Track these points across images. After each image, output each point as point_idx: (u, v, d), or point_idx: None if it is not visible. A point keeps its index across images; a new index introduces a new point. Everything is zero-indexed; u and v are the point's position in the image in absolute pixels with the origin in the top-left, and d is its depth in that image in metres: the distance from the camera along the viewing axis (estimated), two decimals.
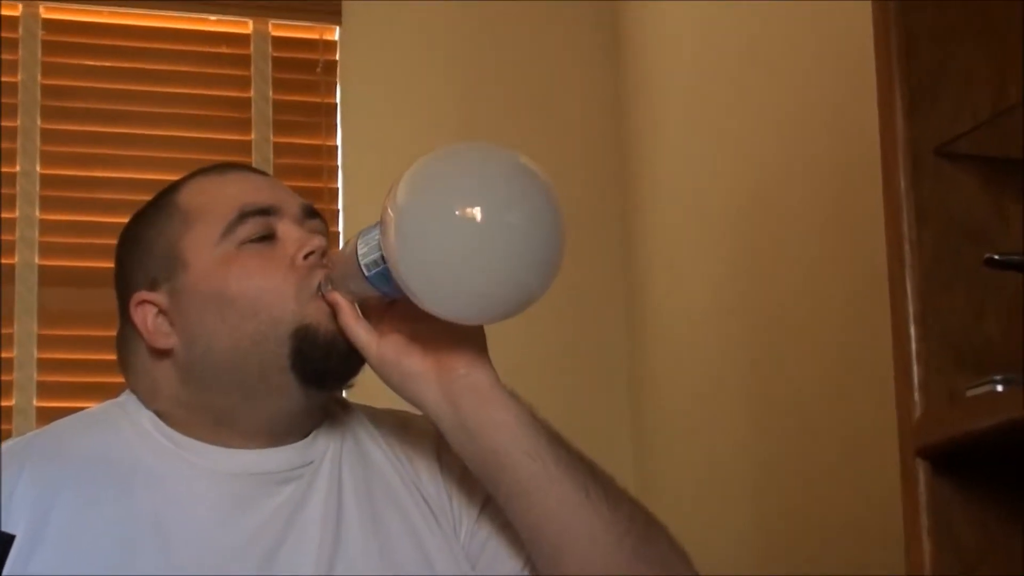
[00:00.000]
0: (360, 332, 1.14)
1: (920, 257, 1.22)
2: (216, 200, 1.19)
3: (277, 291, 1.15)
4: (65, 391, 2.42)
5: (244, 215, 1.17)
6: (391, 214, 1.05)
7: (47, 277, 2.45)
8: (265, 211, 1.18)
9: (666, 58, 2.54)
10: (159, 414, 1.18)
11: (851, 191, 1.89)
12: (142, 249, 1.20)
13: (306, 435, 1.20)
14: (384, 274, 1.08)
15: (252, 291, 1.14)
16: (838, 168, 1.93)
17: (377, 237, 1.08)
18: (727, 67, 2.28)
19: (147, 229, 1.21)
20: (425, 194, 1.05)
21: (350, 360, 1.16)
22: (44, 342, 2.43)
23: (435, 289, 1.05)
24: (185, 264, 1.17)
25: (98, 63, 2.56)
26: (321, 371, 1.16)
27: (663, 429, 2.55)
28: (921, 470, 1.20)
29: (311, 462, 1.19)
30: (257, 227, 1.17)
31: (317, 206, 1.25)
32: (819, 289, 1.99)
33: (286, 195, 1.22)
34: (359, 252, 1.10)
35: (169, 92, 2.58)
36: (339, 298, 1.14)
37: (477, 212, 1.02)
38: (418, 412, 1.17)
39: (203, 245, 1.17)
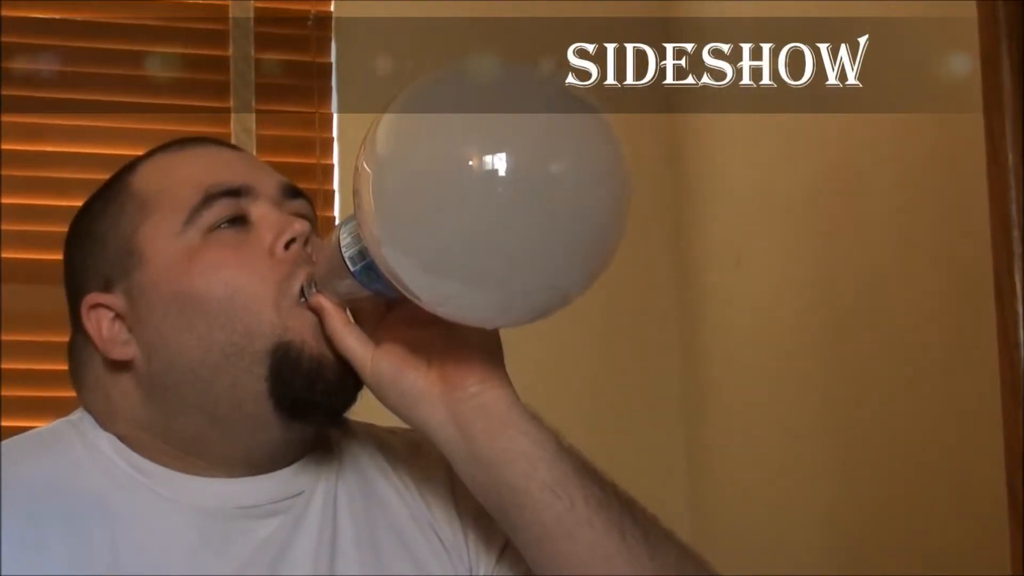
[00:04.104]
0: (351, 342, 1.10)
1: None
2: (176, 182, 1.17)
3: (253, 292, 1.12)
4: (29, 408, 2.38)
5: (210, 197, 1.15)
6: (367, 169, 0.91)
7: (5, 272, 2.44)
8: (235, 192, 1.16)
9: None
10: (119, 437, 1.17)
11: (947, 166, 1.88)
12: (93, 244, 1.19)
13: (294, 461, 1.19)
14: (373, 267, 1.04)
15: (222, 290, 1.12)
16: (930, 138, 1.93)
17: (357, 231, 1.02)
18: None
19: (98, 220, 1.20)
20: (418, 136, 0.89)
21: (341, 389, 1.13)
22: (4, 349, 2.41)
23: (434, 277, 0.94)
24: (143, 259, 1.15)
25: (50, 16, 2.56)
26: (304, 402, 1.13)
27: (722, 449, 2.56)
28: None
29: (300, 492, 1.17)
30: (226, 210, 1.15)
31: (308, 186, 1.24)
32: (909, 288, 1.99)
33: (261, 172, 1.20)
34: (342, 244, 1.07)
35: (131, 50, 2.58)
36: (324, 302, 1.11)
37: (501, 160, 0.85)
38: None
39: (163, 236, 1.15)
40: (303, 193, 1.21)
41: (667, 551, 1.09)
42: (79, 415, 1.20)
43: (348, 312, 1.12)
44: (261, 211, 1.17)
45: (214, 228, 1.15)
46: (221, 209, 1.15)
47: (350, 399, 1.14)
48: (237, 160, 1.21)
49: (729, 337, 2.54)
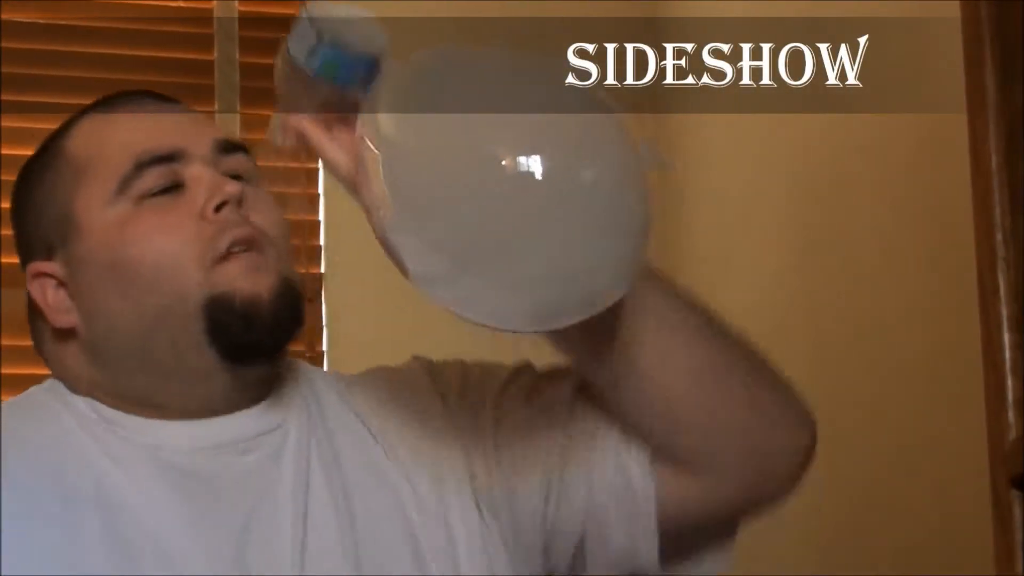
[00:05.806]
0: (338, 154, 1.07)
1: (1016, 250, 1.23)
2: (107, 148, 1.17)
3: (180, 254, 1.13)
4: None
5: (140, 165, 1.15)
6: (374, 151, 0.91)
7: (9, 277, 2.45)
8: (167, 158, 1.16)
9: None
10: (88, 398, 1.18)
11: (931, 170, 1.89)
12: (35, 211, 1.20)
13: (259, 400, 1.19)
14: (330, 58, 1.02)
15: (150, 257, 1.13)
16: (915, 142, 1.94)
17: (304, 27, 0.99)
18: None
19: (37, 187, 1.20)
20: (442, 129, 0.88)
21: (278, 325, 1.14)
22: (6, 354, 2.41)
23: (459, 285, 0.92)
24: (78, 227, 1.16)
25: (37, 20, 2.57)
26: (245, 344, 1.14)
27: None
28: (1017, 503, 1.20)
29: (277, 427, 1.18)
30: (158, 178, 1.15)
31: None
32: (894, 288, 2.00)
33: (194, 131, 1.20)
34: (292, 55, 1.04)
35: (114, 54, 2.59)
36: (299, 120, 1.08)
37: (536, 163, 0.84)
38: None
39: (96, 205, 1.16)
40: (241, 146, 1.21)
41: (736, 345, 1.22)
42: (51, 383, 1.22)
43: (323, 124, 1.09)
44: (194, 173, 1.16)
45: (146, 196, 1.15)
46: (152, 178, 1.15)
47: (289, 333, 1.15)
48: (168, 121, 1.21)
49: None
